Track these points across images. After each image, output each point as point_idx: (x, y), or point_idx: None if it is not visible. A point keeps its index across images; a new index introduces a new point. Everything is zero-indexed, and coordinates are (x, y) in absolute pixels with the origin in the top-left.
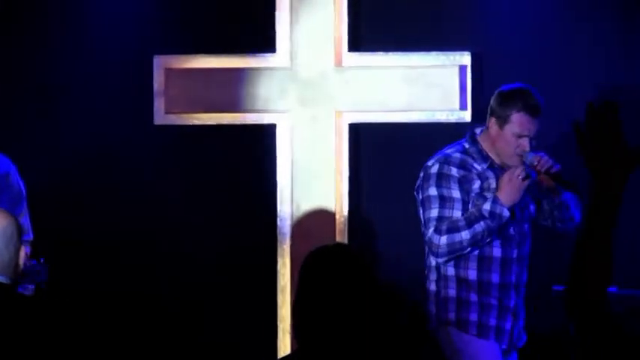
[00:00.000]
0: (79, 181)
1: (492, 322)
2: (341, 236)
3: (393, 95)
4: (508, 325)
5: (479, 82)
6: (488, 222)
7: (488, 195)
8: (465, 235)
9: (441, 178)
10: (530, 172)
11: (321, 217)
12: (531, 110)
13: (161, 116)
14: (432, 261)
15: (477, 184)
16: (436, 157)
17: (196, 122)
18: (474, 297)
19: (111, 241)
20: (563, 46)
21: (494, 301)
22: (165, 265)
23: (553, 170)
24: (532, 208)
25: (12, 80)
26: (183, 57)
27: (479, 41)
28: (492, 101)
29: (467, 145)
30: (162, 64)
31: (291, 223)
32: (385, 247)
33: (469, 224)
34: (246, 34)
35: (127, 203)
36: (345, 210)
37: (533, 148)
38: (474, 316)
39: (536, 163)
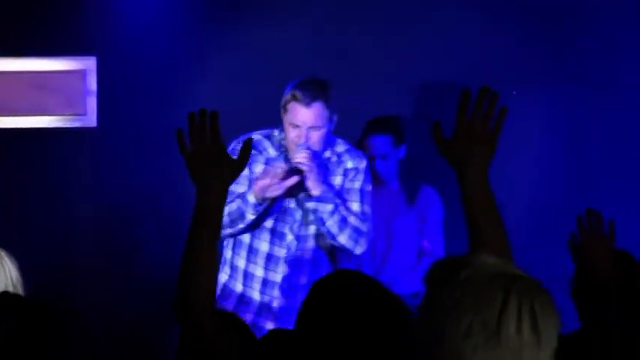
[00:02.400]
0: None
1: (248, 317)
2: None
3: (20, 100)
4: (268, 326)
5: (106, 87)
6: (239, 201)
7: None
8: (225, 209)
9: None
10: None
11: None
12: (300, 99)
13: None
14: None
15: (259, 168)
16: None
17: None
18: (238, 287)
19: None
20: (192, 46)
21: (255, 296)
22: None
23: (295, 164)
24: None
25: None
26: None
27: (106, 46)
28: None
29: (276, 132)
30: None
31: None
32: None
33: (230, 201)
34: None
35: None
36: None
37: (313, 142)
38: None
39: (296, 156)
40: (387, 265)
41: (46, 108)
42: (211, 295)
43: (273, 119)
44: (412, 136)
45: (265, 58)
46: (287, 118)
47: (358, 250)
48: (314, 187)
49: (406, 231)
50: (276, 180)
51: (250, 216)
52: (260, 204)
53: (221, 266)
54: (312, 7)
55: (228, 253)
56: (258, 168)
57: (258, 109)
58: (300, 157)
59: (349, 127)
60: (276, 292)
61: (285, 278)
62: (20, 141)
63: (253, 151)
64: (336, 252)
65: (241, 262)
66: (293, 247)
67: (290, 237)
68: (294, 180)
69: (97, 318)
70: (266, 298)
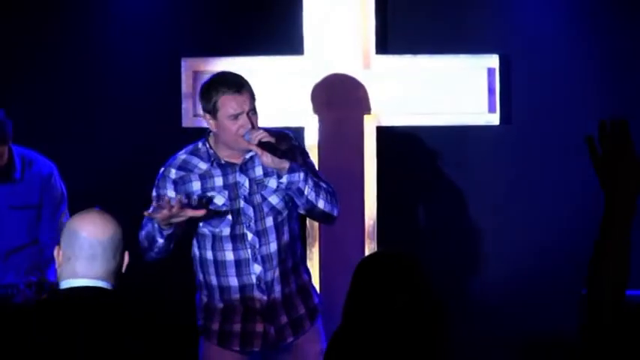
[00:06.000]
0: (113, 184)
1: (236, 328)
2: (370, 240)
3: (420, 98)
4: (258, 328)
5: (507, 85)
6: (150, 226)
7: (214, 194)
8: (142, 233)
9: (161, 180)
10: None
11: (350, 221)
12: (232, 86)
13: (189, 119)
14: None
15: (197, 185)
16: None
17: None
18: (219, 304)
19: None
20: (589, 48)
21: (237, 305)
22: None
23: (264, 140)
24: (275, 202)
25: (51, 84)
26: (211, 59)
27: (507, 43)
28: (198, 99)
29: (200, 145)
30: (190, 66)
31: (320, 227)
32: (415, 251)
33: (144, 224)
34: (274, 36)
35: None
36: (374, 213)
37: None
38: (215, 325)
39: (253, 137)
40: None
41: (448, 106)
42: (621, 292)
43: None
44: None
45: None
46: (222, 114)
47: (336, 212)
48: (283, 160)
49: None
50: (174, 211)
51: (160, 240)
52: (165, 229)
53: (199, 289)
54: None
55: (200, 276)
56: (196, 186)
57: None
58: (261, 135)
59: None
60: (256, 294)
61: (258, 277)
62: (424, 139)
63: (183, 173)
64: (296, 240)
65: (213, 280)
66: (256, 244)
67: (250, 235)
68: (200, 212)
69: None
70: (249, 303)
